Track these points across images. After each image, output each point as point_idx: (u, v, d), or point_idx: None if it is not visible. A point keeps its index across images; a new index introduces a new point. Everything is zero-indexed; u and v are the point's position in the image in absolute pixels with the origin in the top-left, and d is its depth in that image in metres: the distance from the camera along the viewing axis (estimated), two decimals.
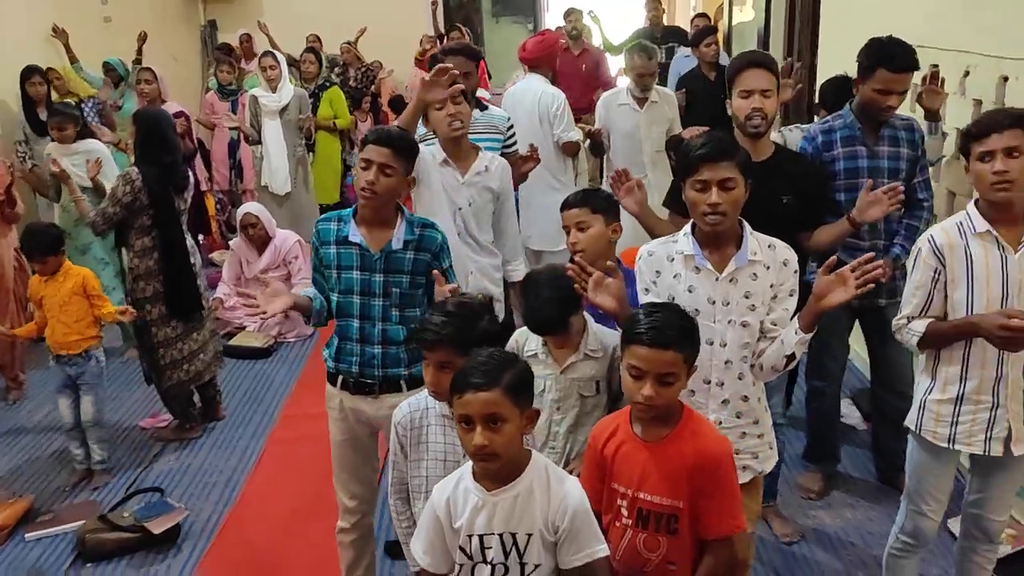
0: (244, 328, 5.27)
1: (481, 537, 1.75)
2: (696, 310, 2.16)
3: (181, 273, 3.91)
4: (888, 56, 2.87)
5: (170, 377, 4.00)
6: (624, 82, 5.30)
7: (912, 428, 2.45)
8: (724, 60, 5.58)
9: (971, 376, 2.31)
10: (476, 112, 3.69)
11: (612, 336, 2.32)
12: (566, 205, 2.63)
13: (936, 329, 2.31)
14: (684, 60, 6.23)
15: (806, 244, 2.82)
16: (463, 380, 1.70)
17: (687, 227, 2.27)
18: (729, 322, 2.20)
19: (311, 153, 6.41)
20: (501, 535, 1.74)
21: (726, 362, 2.22)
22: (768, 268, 2.21)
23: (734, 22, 7.41)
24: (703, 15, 6.48)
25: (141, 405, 4.48)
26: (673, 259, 2.24)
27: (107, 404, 4.03)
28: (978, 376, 2.30)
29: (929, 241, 2.32)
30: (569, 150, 4.62)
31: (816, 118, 3.78)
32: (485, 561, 1.75)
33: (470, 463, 1.79)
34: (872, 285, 2.09)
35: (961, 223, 2.30)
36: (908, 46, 2.89)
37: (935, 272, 2.30)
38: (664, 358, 1.83)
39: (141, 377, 4.21)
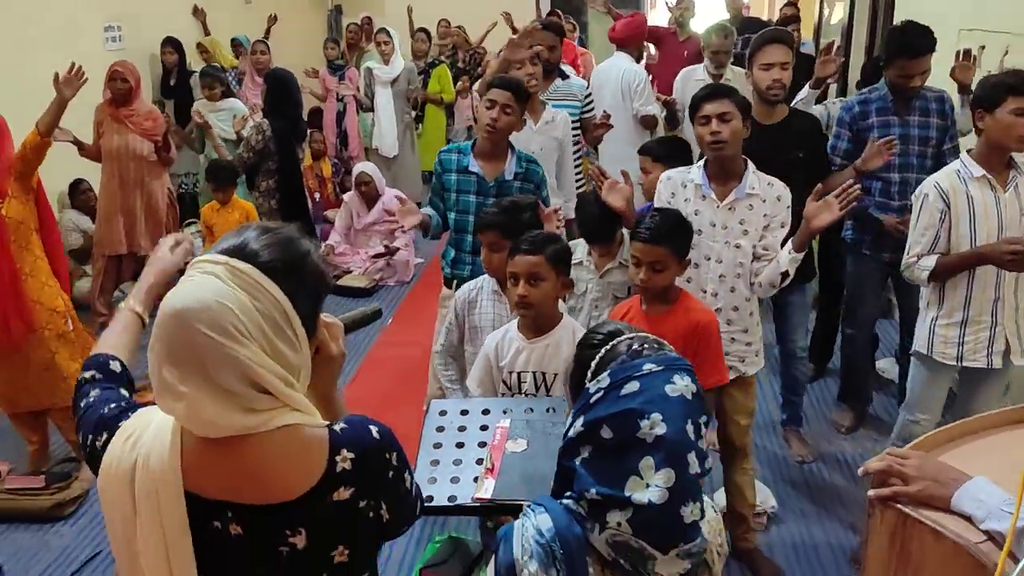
0: (350, 271, 5.93)
1: (519, 374, 2.29)
2: (699, 230, 2.64)
3: (298, 209, 4.61)
4: (903, 46, 3.19)
5: None
6: None
7: (923, 351, 2.82)
8: (807, 48, 5.86)
9: (973, 300, 2.69)
10: (558, 81, 4.21)
11: None
12: None
13: (945, 262, 2.68)
14: None
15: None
16: (516, 247, 2.25)
17: (700, 161, 2.72)
18: (725, 243, 2.65)
19: (419, 123, 7.05)
20: (534, 372, 2.27)
21: (720, 276, 2.67)
22: (764, 201, 2.64)
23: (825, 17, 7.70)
24: (791, 4, 6.72)
25: None
26: (686, 185, 2.71)
27: None
28: (979, 300, 2.69)
29: (935, 187, 2.68)
30: (647, 123, 4.98)
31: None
32: (521, 392, 2.29)
33: (515, 321, 2.33)
34: (855, 203, 2.50)
35: (959, 171, 2.67)
36: (923, 30, 3.14)
37: (942, 213, 2.66)
38: (655, 251, 2.31)
39: None
